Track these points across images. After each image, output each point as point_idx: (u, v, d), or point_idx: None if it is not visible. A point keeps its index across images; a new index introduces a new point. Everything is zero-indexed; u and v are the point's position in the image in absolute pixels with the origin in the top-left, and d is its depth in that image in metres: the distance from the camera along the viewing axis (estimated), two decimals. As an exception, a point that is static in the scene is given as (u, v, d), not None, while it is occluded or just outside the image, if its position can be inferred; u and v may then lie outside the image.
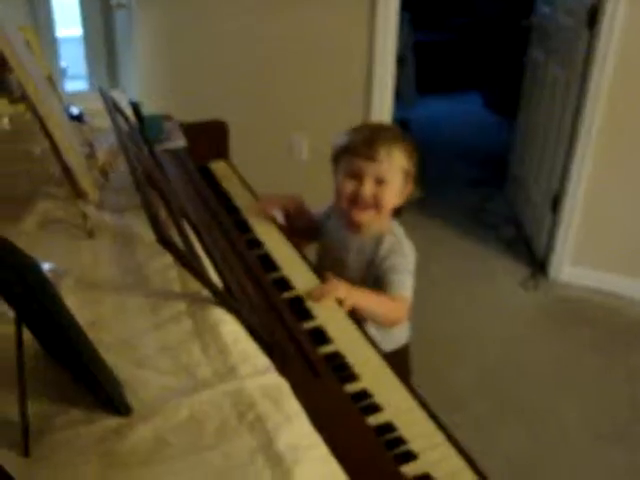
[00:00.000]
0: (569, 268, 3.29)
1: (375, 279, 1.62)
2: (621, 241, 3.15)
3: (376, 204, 1.59)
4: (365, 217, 1.62)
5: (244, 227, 1.70)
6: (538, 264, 3.42)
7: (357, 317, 1.39)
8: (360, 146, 1.57)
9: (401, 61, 3.99)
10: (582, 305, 3.15)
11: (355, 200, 1.60)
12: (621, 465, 2.25)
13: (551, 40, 3.55)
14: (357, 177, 1.58)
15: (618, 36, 2.81)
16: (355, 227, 1.67)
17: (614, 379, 2.67)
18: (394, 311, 1.56)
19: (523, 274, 3.37)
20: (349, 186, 1.60)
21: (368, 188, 1.57)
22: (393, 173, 1.57)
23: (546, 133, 3.48)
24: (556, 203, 3.27)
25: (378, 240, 1.65)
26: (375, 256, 1.63)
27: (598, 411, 2.50)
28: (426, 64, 5.53)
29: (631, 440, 2.36)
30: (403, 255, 1.62)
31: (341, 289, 1.42)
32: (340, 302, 1.40)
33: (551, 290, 3.28)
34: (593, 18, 2.89)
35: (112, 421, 0.86)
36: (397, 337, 1.75)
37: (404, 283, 1.57)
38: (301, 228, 1.86)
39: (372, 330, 1.56)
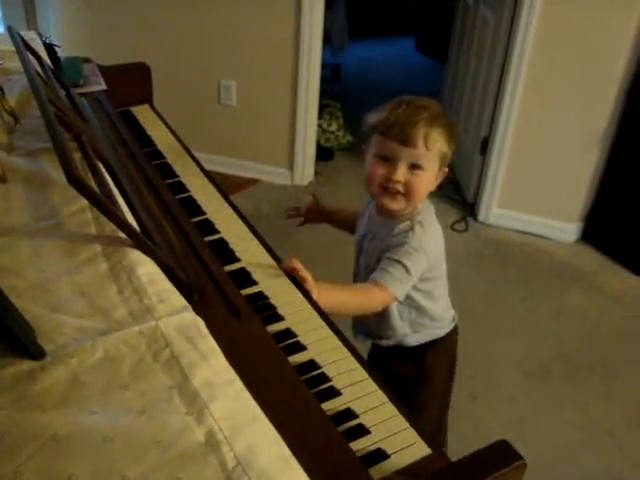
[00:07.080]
0: (497, 210, 3.36)
1: None
2: (546, 184, 3.22)
3: (407, 192, 1.42)
4: (395, 206, 1.44)
5: (168, 172, 1.67)
6: (468, 206, 3.48)
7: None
8: (394, 127, 1.38)
9: (330, 5, 3.92)
10: (510, 246, 3.24)
11: (387, 186, 1.42)
12: (544, 401, 2.35)
13: (480, -18, 3.54)
14: (389, 161, 1.41)
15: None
16: (385, 213, 1.51)
17: (540, 317, 2.77)
18: (367, 302, 1.43)
19: (454, 216, 3.43)
20: (380, 170, 1.42)
21: (401, 174, 1.39)
22: (430, 159, 1.40)
23: (476, 76, 3.50)
24: (485, 146, 3.32)
25: (396, 225, 1.49)
26: (388, 242, 1.48)
27: (525, 349, 2.59)
28: (357, 8, 5.45)
29: (555, 376, 2.46)
30: (408, 244, 1.44)
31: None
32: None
33: (480, 232, 3.35)
34: (521, -41, 2.89)
35: (25, 365, 0.84)
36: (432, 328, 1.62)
37: (393, 277, 1.41)
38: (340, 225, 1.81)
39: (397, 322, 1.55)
